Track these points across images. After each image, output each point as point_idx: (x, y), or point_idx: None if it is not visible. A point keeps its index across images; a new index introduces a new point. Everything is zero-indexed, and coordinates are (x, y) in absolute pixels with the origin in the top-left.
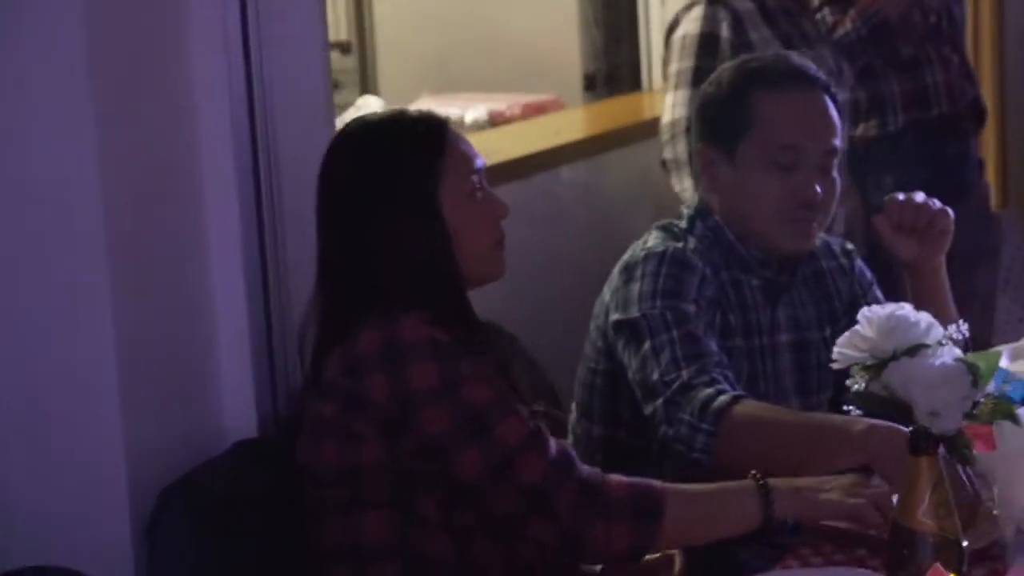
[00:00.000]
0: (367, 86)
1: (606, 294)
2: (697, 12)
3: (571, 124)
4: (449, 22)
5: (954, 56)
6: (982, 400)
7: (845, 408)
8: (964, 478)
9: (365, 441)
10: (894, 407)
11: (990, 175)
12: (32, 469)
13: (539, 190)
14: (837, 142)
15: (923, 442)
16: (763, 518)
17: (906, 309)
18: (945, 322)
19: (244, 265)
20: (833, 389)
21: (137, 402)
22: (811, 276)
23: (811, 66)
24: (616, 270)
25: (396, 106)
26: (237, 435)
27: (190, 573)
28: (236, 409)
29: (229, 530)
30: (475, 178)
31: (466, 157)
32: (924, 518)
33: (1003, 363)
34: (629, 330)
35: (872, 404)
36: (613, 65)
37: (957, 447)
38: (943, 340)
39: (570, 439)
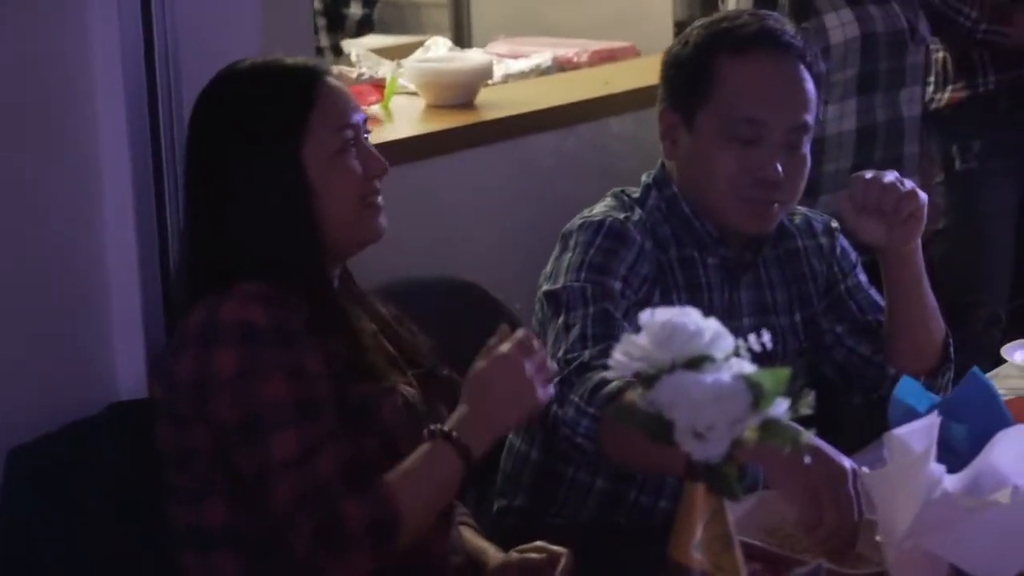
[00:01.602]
0: (460, 28)
1: (549, 263)
2: None
3: (627, 74)
4: None
5: None
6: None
7: None
8: (852, 494)
9: (188, 424)
10: (655, 426)
11: None
12: None
13: (586, 140)
14: (808, 117)
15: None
16: (463, 462)
17: (689, 316)
18: (919, 318)
19: (136, 206)
20: (805, 378)
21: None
22: (783, 256)
23: (788, 30)
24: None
25: (474, 48)
26: (127, 395)
27: (29, 540)
28: (125, 366)
29: (70, 501)
30: (348, 133)
31: (338, 111)
32: (696, 552)
33: None
34: (552, 301)
35: (630, 420)
36: (706, 14)
37: (719, 478)
38: (736, 352)
39: None
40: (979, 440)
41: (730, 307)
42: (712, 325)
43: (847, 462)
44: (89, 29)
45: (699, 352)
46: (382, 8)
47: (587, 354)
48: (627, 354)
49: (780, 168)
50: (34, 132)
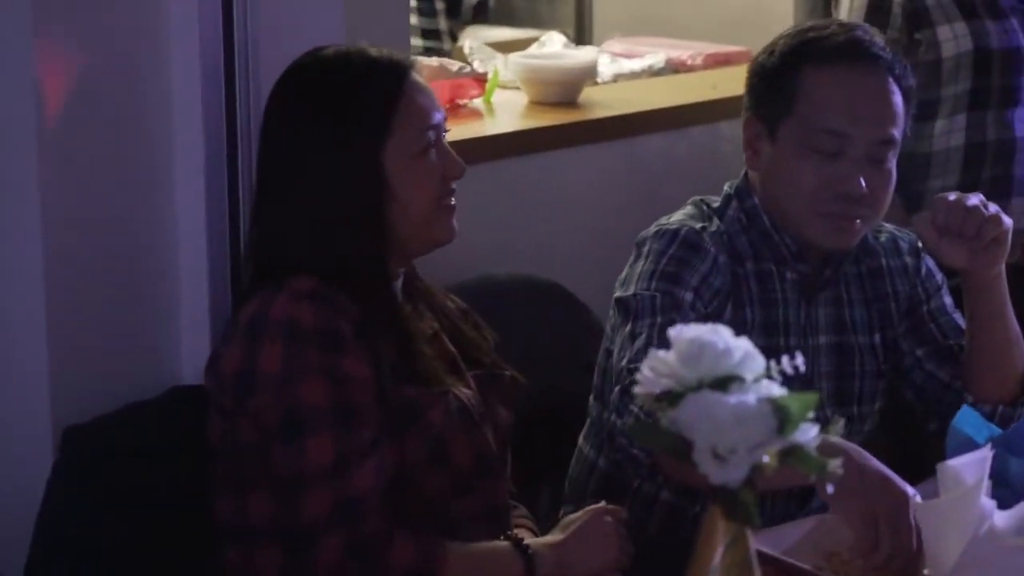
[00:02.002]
0: (582, 24)
1: (625, 268)
2: None
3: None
4: None
5: None
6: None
7: None
8: (911, 522)
9: (233, 417)
10: (673, 446)
11: None
12: None
13: (689, 144)
14: (895, 131)
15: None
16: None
17: (719, 334)
18: (1000, 345)
19: (207, 195)
20: (884, 400)
21: (66, 334)
22: (866, 274)
23: (877, 41)
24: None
25: (588, 46)
26: (191, 381)
27: (79, 521)
28: (190, 351)
29: (120, 483)
30: (430, 134)
31: (422, 111)
32: None
33: None
34: (622, 308)
35: (649, 438)
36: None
37: (736, 503)
38: (768, 375)
39: (587, 422)
40: None
41: (807, 324)
42: (743, 345)
43: (909, 489)
44: (167, 10)
45: (727, 372)
46: (505, 1)
47: None
48: (654, 370)
49: (864, 183)
50: (107, 115)
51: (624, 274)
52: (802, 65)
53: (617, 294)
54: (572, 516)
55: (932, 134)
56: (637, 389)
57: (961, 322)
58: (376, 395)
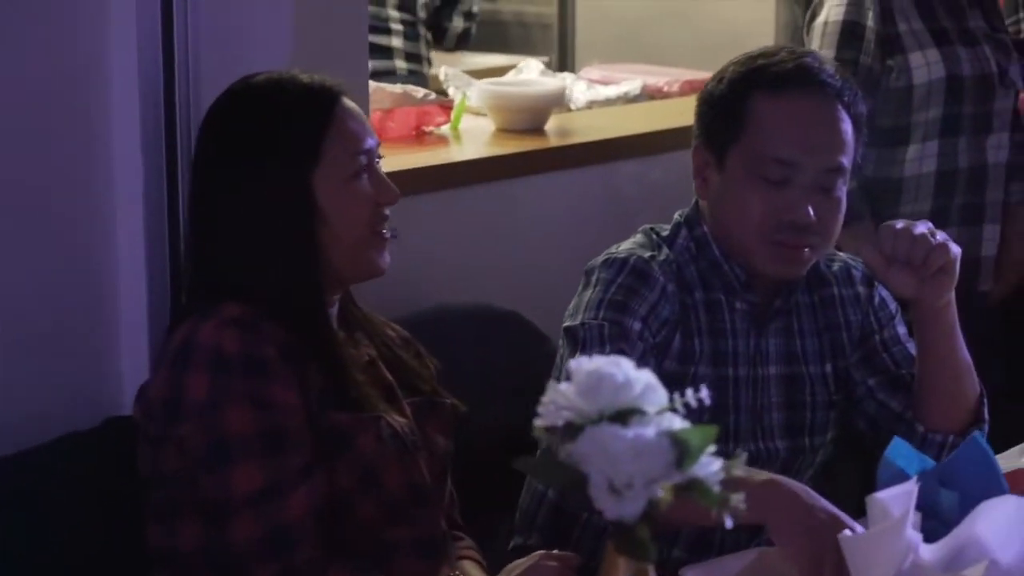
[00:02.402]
0: (565, 51)
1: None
2: None
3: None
4: None
5: None
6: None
7: None
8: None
9: (160, 445)
10: (567, 480)
11: None
12: None
13: (665, 170)
14: (844, 159)
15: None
16: None
17: (620, 365)
18: (949, 374)
19: (145, 223)
20: (836, 431)
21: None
22: (818, 303)
23: (827, 68)
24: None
25: (565, 73)
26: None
27: (8, 551)
28: (131, 382)
29: (49, 515)
30: (362, 159)
31: (353, 136)
32: None
33: None
34: (570, 338)
35: (540, 473)
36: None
37: (631, 539)
38: (671, 407)
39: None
40: (971, 509)
41: (756, 354)
42: (644, 377)
43: (860, 530)
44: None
45: (628, 404)
46: (489, 27)
47: None
48: (554, 402)
49: (812, 211)
50: (45, 139)
51: (573, 303)
52: (750, 92)
53: (566, 323)
54: (517, 562)
55: (904, 160)
56: (537, 422)
57: (915, 351)
58: (306, 421)
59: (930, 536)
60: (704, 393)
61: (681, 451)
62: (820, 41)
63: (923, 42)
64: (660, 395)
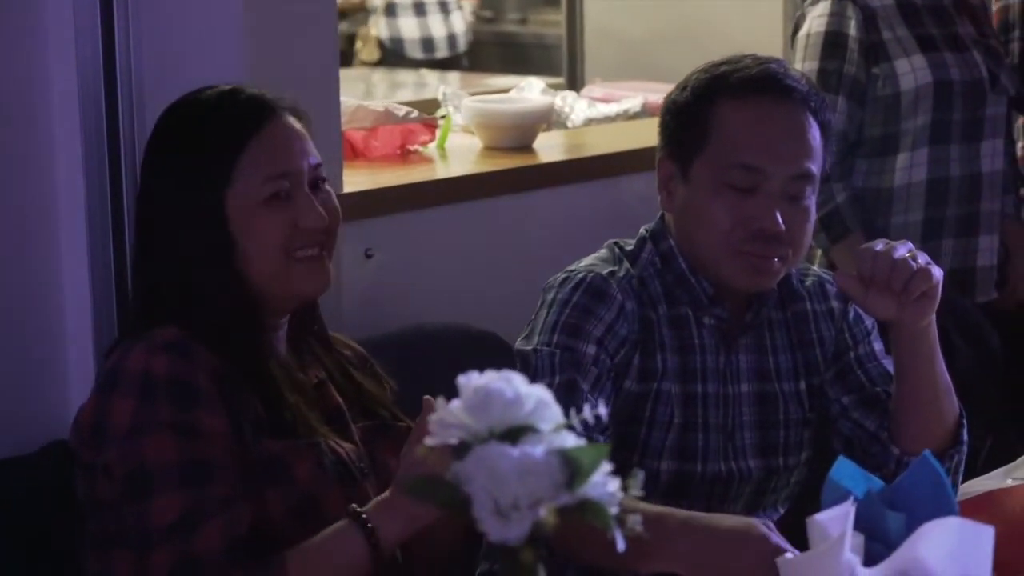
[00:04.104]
0: (574, 70)
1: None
2: (823, 8)
3: None
4: (655, 11)
5: None
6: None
7: None
8: None
9: (92, 471)
10: (450, 500)
11: None
12: None
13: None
14: (812, 166)
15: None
16: (371, 550)
17: (510, 382)
18: (929, 396)
19: (90, 244)
20: (811, 450)
21: None
22: (791, 319)
23: (792, 74)
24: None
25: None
26: None
27: None
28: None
29: None
30: (283, 183)
31: (273, 158)
32: None
33: None
34: (522, 363)
35: (424, 493)
36: None
37: (515, 564)
38: (567, 424)
39: None
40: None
41: (726, 371)
42: (536, 393)
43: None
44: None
45: (518, 422)
46: (505, 48)
47: None
48: (443, 421)
49: (780, 220)
50: None
51: (529, 323)
52: (715, 99)
53: (518, 345)
54: (404, 452)
55: (894, 169)
56: (427, 440)
57: (892, 368)
58: (234, 450)
59: (875, 559)
60: (602, 410)
61: (572, 470)
62: (803, 53)
63: (908, 48)
64: (554, 412)
